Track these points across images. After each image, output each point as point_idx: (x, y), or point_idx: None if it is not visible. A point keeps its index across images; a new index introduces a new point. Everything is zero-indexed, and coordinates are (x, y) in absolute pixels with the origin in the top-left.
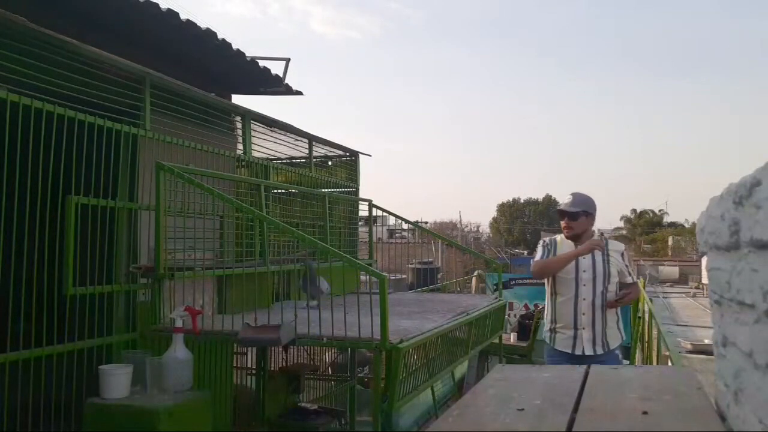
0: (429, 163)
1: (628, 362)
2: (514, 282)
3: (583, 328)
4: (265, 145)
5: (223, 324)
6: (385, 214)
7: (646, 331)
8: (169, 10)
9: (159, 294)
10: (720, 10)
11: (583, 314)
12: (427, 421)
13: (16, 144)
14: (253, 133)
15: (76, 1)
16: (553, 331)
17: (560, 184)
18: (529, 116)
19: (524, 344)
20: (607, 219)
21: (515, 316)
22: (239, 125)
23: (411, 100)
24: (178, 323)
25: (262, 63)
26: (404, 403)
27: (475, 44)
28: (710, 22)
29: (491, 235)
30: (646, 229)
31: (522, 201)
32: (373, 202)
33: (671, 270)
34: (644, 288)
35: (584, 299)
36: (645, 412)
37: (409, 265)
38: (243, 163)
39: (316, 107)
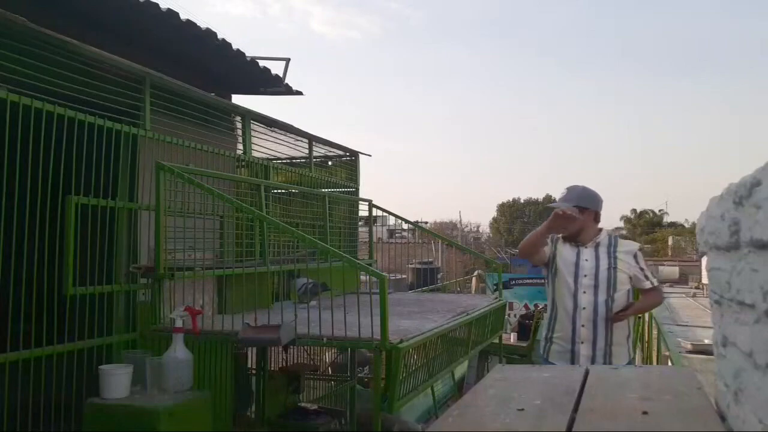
0: (429, 162)
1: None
2: (514, 282)
3: (582, 343)
4: (265, 145)
5: (223, 324)
6: (385, 214)
7: (646, 331)
8: (169, 10)
9: (159, 294)
10: (720, 10)
11: (582, 326)
12: (427, 421)
13: (17, 144)
14: (253, 133)
15: (76, 1)
16: (549, 340)
17: (560, 184)
18: (529, 116)
19: (524, 344)
20: (607, 219)
21: (515, 316)
22: (239, 125)
23: (411, 99)
24: (178, 323)
25: (262, 63)
26: (404, 403)
27: (475, 44)
28: (710, 21)
29: (491, 235)
30: (646, 229)
31: (522, 201)
32: (373, 202)
33: (671, 270)
34: None
35: (584, 308)
36: (645, 412)
37: (409, 265)
38: (243, 163)
39: (316, 107)
